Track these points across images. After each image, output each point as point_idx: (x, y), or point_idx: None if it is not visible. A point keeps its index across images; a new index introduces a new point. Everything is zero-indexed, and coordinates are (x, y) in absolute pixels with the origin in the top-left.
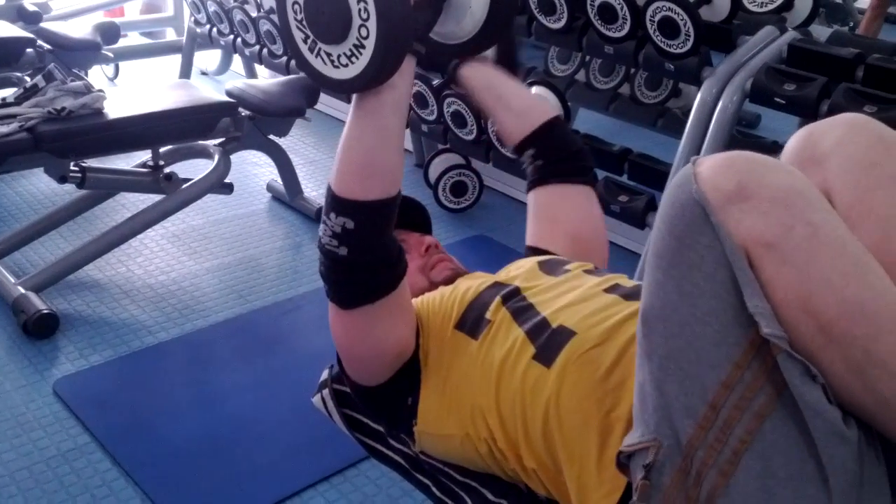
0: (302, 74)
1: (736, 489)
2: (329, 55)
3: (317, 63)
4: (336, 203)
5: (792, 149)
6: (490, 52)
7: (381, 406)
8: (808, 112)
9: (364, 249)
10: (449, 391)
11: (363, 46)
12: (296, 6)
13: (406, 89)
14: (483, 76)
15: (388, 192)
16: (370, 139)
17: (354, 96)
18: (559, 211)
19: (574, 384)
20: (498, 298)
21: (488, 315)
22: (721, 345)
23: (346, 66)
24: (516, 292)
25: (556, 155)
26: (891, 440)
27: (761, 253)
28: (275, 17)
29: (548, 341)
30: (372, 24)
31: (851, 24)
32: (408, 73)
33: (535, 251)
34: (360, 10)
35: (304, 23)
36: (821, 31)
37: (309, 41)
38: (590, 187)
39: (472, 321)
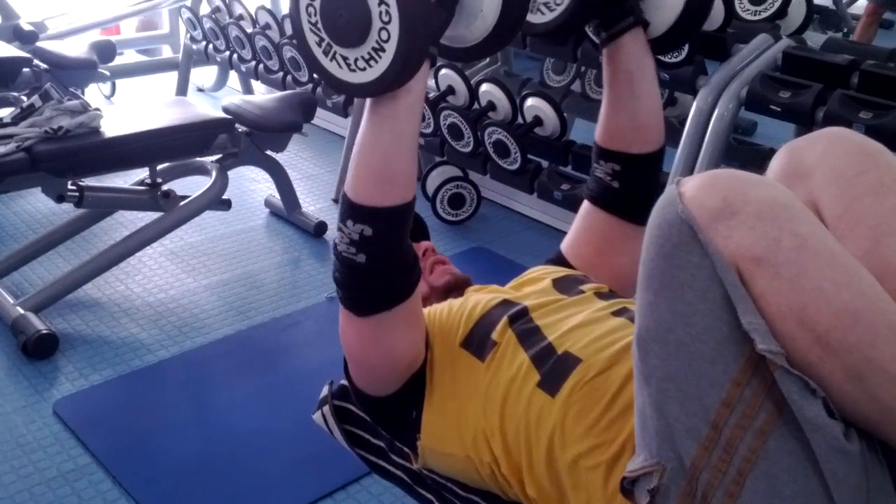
0: (298, 89)
1: None
2: (345, 59)
3: (331, 67)
4: (353, 210)
5: (777, 166)
6: (668, 20)
7: (386, 418)
8: (803, 119)
9: (382, 256)
10: (452, 411)
11: (383, 49)
12: (310, 8)
13: (421, 93)
14: (635, 61)
15: (406, 198)
16: (387, 144)
17: (370, 100)
18: (609, 246)
19: (579, 413)
20: (505, 319)
21: (495, 336)
22: (718, 363)
23: (364, 69)
24: (524, 313)
25: (636, 192)
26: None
27: (751, 268)
28: (270, 33)
29: (553, 369)
30: (394, 26)
31: (846, 30)
32: (423, 77)
33: (565, 262)
34: (381, 12)
35: (320, 25)
36: (815, 38)
37: (324, 44)
38: (643, 228)
39: (478, 341)
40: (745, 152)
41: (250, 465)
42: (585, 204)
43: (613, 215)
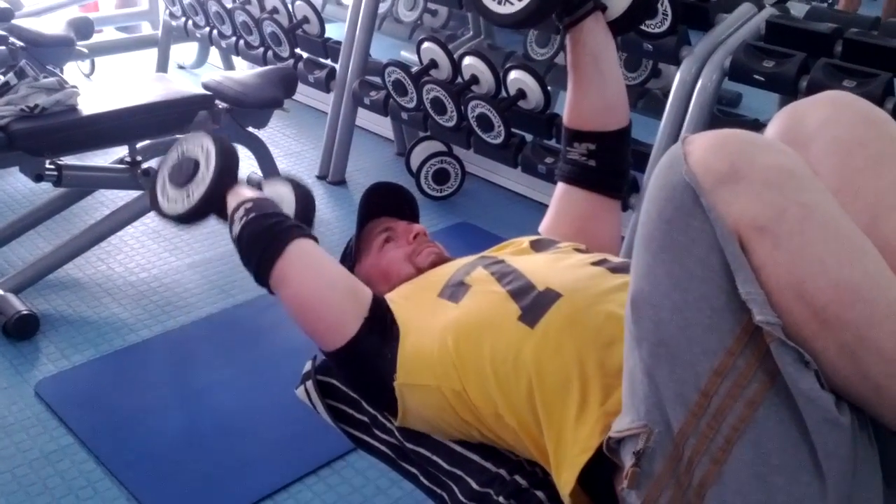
0: (279, 65)
1: (728, 476)
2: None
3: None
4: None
5: (776, 129)
6: (621, 5)
7: (363, 366)
8: (787, 89)
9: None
10: (425, 345)
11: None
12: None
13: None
14: (597, 42)
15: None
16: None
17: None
18: (591, 223)
19: (558, 344)
20: (480, 266)
21: (467, 280)
22: (713, 331)
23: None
24: (500, 260)
25: (610, 167)
26: (883, 424)
27: (754, 236)
28: (250, 8)
29: (534, 302)
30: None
31: (830, 0)
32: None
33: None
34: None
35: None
36: (799, 8)
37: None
38: (620, 205)
39: (452, 287)
40: (729, 123)
41: (235, 444)
42: (562, 186)
43: (592, 192)
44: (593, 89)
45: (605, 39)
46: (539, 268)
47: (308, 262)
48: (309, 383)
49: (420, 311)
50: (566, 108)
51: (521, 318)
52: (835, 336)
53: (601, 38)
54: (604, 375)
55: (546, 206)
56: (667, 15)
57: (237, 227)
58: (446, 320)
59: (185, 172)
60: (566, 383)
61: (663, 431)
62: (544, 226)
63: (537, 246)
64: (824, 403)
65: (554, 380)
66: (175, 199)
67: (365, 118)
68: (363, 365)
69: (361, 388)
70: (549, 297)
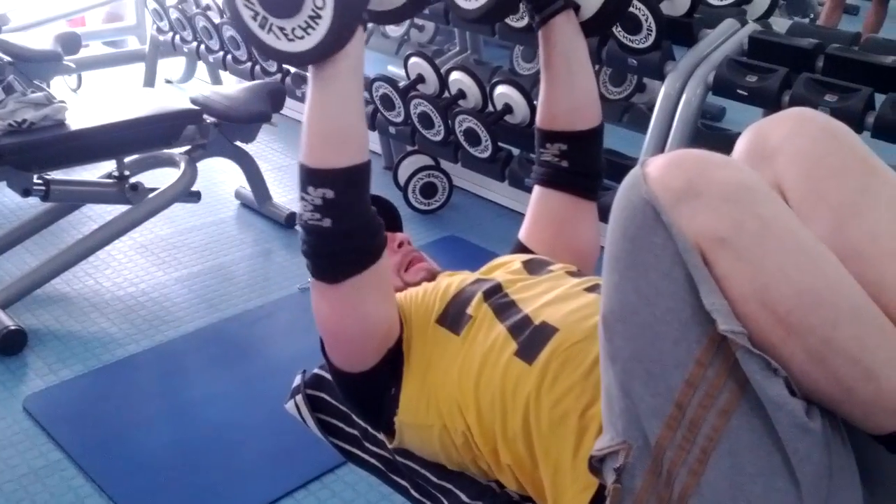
0: (267, 79)
1: (707, 488)
2: (282, 29)
3: (269, 38)
4: (312, 176)
5: (742, 147)
6: (594, 4)
7: (366, 396)
8: (770, 103)
9: (347, 217)
10: (429, 382)
11: (319, 17)
12: None
13: (360, 55)
14: (569, 41)
15: (362, 157)
16: (335, 106)
17: (311, 67)
18: (567, 225)
19: (554, 381)
20: (480, 294)
21: (470, 311)
22: (682, 343)
23: (303, 37)
24: (498, 288)
25: (583, 168)
26: (855, 427)
27: (715, 249)
28: None
29: (530, 338)
30: None
31: (812, 16)
32: (359, 39)
33: (526, 250)
34: None
35: (253, 0)
36: (781, 24)
37: (259, 17)
38: (596, 205)
39: (453, 316)
40: (713, 137)
41: (224, 458)
42: (537, 189)
43: (567, 193)
44: (564, 89)
45: (577, 39)
46: (535, 298)
47: (376, 287)
48: (299, 397)
49: (423, 344)
50: (538, 110)
51: (517, 353)
52: (801, 341)
53: (572, 38)
54: (598, 410)
55: None
56: (651, 30)
57: (327, 192)
58: (451, 360)
59: None
60: (563, 418)
61: (641, 446)
62: (523, 232)
63: (530, 267)
64: (793, 409)
65: (551, 415)
66: (290, 32)
67: None
68: (366, 395)
69: (359, 410)
70: (545, 333)
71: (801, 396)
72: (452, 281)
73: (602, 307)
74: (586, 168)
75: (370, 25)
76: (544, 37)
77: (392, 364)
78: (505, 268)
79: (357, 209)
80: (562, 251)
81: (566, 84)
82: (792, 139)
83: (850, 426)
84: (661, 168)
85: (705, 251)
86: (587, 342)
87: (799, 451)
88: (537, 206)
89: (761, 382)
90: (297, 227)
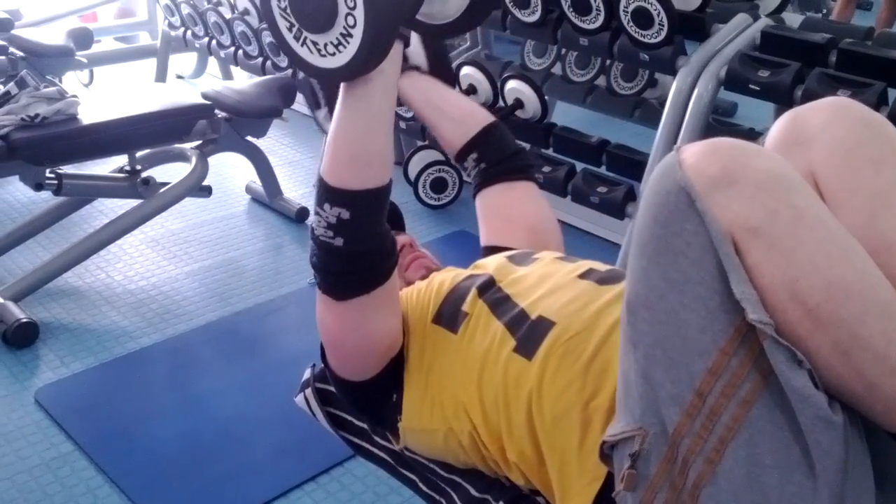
0: (278, 74)
1: (722, 477)
2: (315, 44)
3: (303, 52)
4: (330, 193)
5: (777, 132)
6: (424, 63)
7: (367, 403)
8: (782, 98)
9: (361, 239)
10: (431, 386)
11: (350, 35)
12: None
13: (394, 74)
14: (420, 88)
15: (383, 180)
16: (362, 127)
17: (343, 85)
18: (510, 208)
19: (555, 374)
20: (474, 290)
21: (465, 308)
22: (707, 331)
23: (334, 54)
24: (491, 282)
25: (497, 157)
26: (875, 424)
27: (747, 238)
28: (249, 19)
29: (528, 333)
30: (359, 12)
31: (824, 10)
32: (396, 58)
33: (493, 250)
34: None
35: (289, 11)
36: (793, 19)
37: (294, 30)
38: (533, 183)
39: (449, 314)
40: (724, 133)
41: (234, 451)
42: (477, 199)
43: (498, 183)
44: (442, 119)
45: (424, 86)
46: (529, 290)
47: (383, 305)
48: (308, 391)
49: (422, 347)
50: (442, 145)
51: (516, 349)
52: (828, 334)
53: (421, 87)
54: (603, 401)
55: None
56: (663, 25)
57: (342, 211)
58: (451, 360)
59: (319, 6)
60: (566, 412)
61: (658, 433)
62: (482, 237)
63: (515, 260)
64: (817, 401)
65: (554, 409)
66: (323, 47)
67: None
68: (367, 402)
69: (360, 415)
70: (542, 327)
71: (823, 390)
72: (445, 278)
73: (627, 291)
74: (500, 154)
75: None
76: (403, 100)
77: (393, 372)
78: (492, 263)
79: (371, 231)
80: (519, 235)
81: (441, 116)
82: (829, 127)
83: (868, 423)
84: (696, 154)
85: (737, 240)
86: (586, 333)
87: (822, 443)
88: (482, 208)
89: (787, 373)
90: (308, 226)
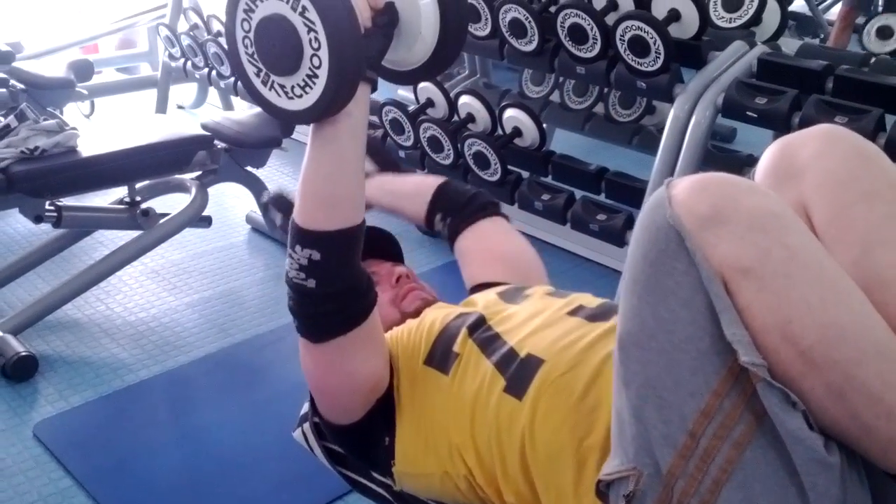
0: None
1: None
2: (283, 87)
3: (271, 96)
4: (300, 235)
5: (768, 162)
6: (373, 168)
7: (359, 447)
8: (779, 125)
9: (332, 280)
10: (424, 429)
11: (316, 76)
12: (246, 40)
13: (362, 116)
14: (375, 186)
15: (353, 221)
16: (329, 168)
17: (312, 126)
18: (484, 245)
19: (547, 413)
20: (464, 330)
21: (456, 348)
22: (699, 372)
23: (301, 96)
24: (481, 321)
25: (456, 206)
26: (874, 464)
27: (738, 278)
28: None
29: (517, 372)
30: (323, 53)
31: (822, 36)
32: (363, 101)
33: (479, 288)
34: (310, 39)
35: (256, 56)
36: (791, 44)
37: (262, 74)
38: (500, 217)
39: (440, 355)
40: (723, 159)
41: (234, 485)
42: (455, 249)
43: (466, 228)
44: (402, 201)
45: (378, 182)
46: (518, 327)
47: (362, 347)
48: (306, 426)
49: (413, 389)
50: (416, 224)
51: (506, 389)
52: (822, 376)
53: (375, 185)
54: (596, 439)
55: (548, 244)
56: (659, 53)
57: (313, 252)
58: (443, 402)
59: (285, 49)
60: (560, 451)
61: (652, 473)
62: (466, 282)
63: (505, 296)
64: (812, 443)
65: (547, 449)
66: (290, 89)
67: None
68: (358, 446)
69: (355, 459)
70: (532, 365)
71: (819, 431)
72: (436, 317)
73: (619, 329)
74: (458, 203)
75: None
76: (367, 202)
77: (383, 414)
78: (482, 300)
79: (343, 272)
80: (498, 266)
81: (400, 199)
82: (820, 158)
83: (867, 463)
84: (686, 191)
85: (728, 280)
86: (576, 370)
87: (818, 485)
88: (460, 259)
89: (780, 416)
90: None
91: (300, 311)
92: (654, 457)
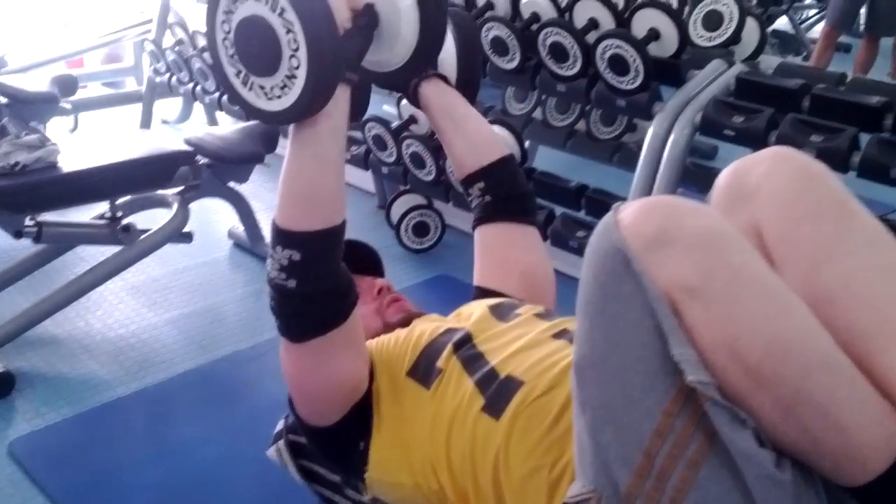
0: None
1: None
2: (262, 87)
3: (250, 96)
4: (281, 236)
5: (722, 185)
6: (453, 74)
7: (333, 450)
8: (756, 143)
9: (312, 280)
10: (400, 439)
11: (295, 77)
12: (226, 42)
13: (342, 117)
14: (443, 99)
15: (333, 221)
16: (309, 169)
17: (292, 127)
18: (510, 252)
19: (522, 434)
20: (450, 346)
21: (440, 364)
22: (650, 393)
23: (280, 97)
24: (467, 339)
25: (505, 193)
26: (827, 479)
27: (684, 298)
28: None
29: (497, 392)
30: (302, 54)
31: (805, 54)
32: (342, 102)
33: (485, 293)
34: (289, 40)
35: (236, 57)
36: (772, 62)
37: (241, 75)
38: (535, 228)
39: (424, 369)
40: (701, 176)
41: (213, 502)
42: (476, 232)
43: (500, 222)
44: (458, 138)
45: (449, 96)
46: (502, 348)
47: (342, 347)
48: (281, 443)
49: (394, 398)
50: (452, 165)
51: (485, 408)
52: (770, 392)
53: (444, 96)
54: (569, 461)
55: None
56: (639, 72)
57: (295, 252)
58: (423, 416)
59: (264, 49)
60: (533, 473)
61: (611, 495)
62: (476, 276)
63: (498, 313)
64: (762, 461)
65: (520, 470)
66: (269, 90)
67: (346, 172)
68: (333, 449)
69: (328, 462)
70: (511, 386)
71: (771, 448)
72: (425, 329)
73: (574, 353)
74: (507, 192)
75: None
76: (422, 105)
77: (360, 418)
78: (472, 314)
79: (323, 273)
80: (510, 277)
81: (458, 133)
82: (768, 179)
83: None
84: (633, 215)
85: (675, 300)
86: (553, 392)
87: (768, 502)
88: (480, 245)
89: (730, 434)
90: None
91: (281, 310)
92: (613, 478)
